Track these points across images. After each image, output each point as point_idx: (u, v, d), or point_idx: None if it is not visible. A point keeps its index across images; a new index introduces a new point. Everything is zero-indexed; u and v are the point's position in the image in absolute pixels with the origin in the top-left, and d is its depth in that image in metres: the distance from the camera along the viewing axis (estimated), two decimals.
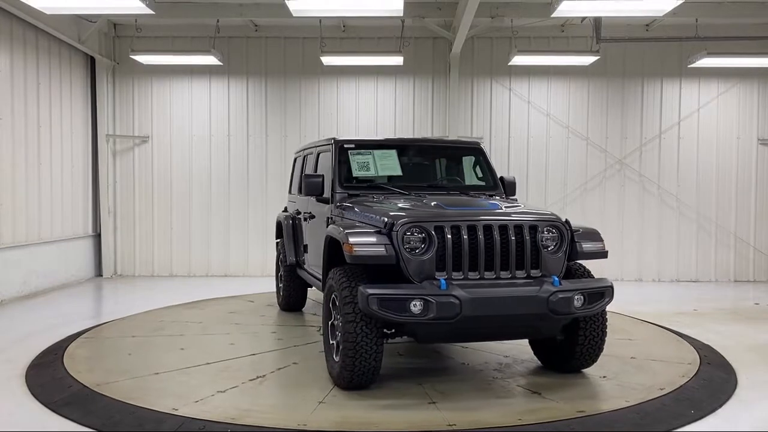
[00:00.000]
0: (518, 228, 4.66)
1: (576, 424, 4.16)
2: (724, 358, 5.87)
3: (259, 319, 7.34)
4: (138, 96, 11.17)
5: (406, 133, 10.98)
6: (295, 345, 6.13)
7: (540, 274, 4.65)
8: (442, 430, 4.05)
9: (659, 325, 7.15)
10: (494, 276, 4.57)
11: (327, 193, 5.88)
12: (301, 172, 7.35)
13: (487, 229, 4.59)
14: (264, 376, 5.12)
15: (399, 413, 4.34)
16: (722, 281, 11.02)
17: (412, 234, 4.50)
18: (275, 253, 8.27)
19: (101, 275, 11.04)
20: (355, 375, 4.58)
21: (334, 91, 11.12)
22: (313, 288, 7.50)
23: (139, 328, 6.77)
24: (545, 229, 4.75)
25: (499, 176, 6.42)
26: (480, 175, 6.42)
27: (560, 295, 4.43)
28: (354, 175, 5.90)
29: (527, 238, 4.65)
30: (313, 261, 6.51)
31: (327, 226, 5.67)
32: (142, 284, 10.39)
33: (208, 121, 11.17)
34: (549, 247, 4.74)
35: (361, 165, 5.96)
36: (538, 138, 11.06)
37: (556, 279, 4.58)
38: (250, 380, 5.00)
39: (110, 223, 11.10)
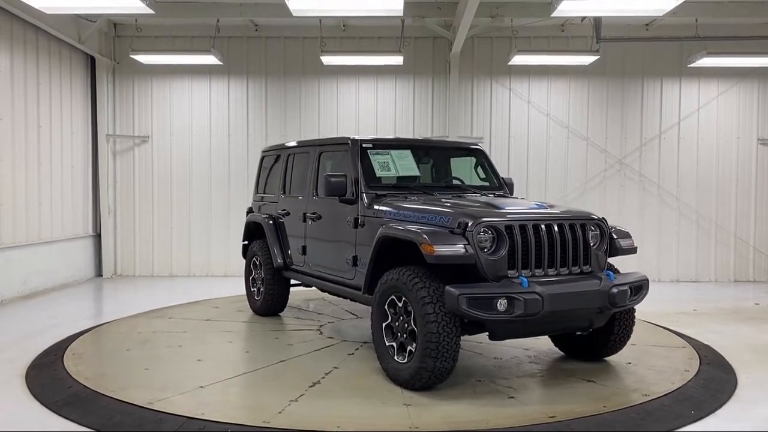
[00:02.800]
0: (572, 226, 4.88)
1: (576, 424, 4.16)
2: (724, 358, 5.88)
3: (244, 325, 7.05)
4: (138, 96, 11.17)
5: (406, 133, 10.98)
6: (315, 349, 5.94)
7: (590, 270, 4.90)
8: (546, 422, 4.17)
9: (659, 325, 7.15)
10: (555, 272, 4.76)
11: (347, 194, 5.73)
12: (284, 173, 7.12)
13: (548, 227, 4.77)
14: (319, 382, 4.94)
15: (492, 410, 4.40)
16: (722, 281, 11.02)
17: (485, 233, 4.59)
18: (243, 256, 7.86)
19: (101, 275, 11.04)
20: (434, 374, 4.59)
21: (334, 91, 11.12)
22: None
23: (124, 341, 6.22)
24: (590, 226, 5.01)
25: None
26: (483, 175, 6.50)
27: (619, 289, 4.74)
28: (378, 176, 5.80)
29: (580, 235, 4.88)
30: (320, 262, 6.36)
31: (356, 227, 5.59)
32: (142, 284, 10.39)
33: (208, 121, 11.17)
34: (594, 244, 4.98)
35: (383, 165, 5.90)
36: (538, 138, 11.06)
37: (611, 274, 4.91)
38: (309, 387, 4.82)
39: (110, 223, 11.10)
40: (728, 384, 5.11)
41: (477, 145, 6.80)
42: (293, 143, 7.38)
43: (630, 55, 10.94)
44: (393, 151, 6.04)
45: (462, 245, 4.50)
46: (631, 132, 11.05)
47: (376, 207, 5.46)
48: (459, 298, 4.30)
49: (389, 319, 4.94)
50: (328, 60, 10.21)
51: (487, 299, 4.34)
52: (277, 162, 7.47)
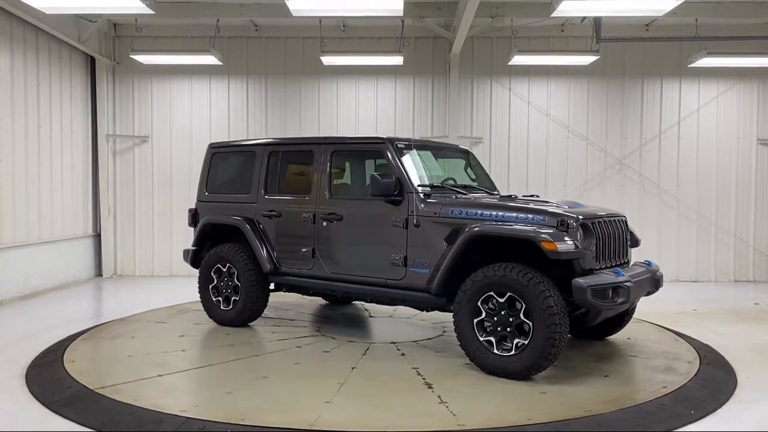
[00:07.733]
0: (618, 222, 5.54)
1: (575, 424, 4.15)
2: (724, 358, 5.88)
3: (232, 338, 6.33)
4: (138, 96, 11.17)
5: (405, 133, 10.97)
6: (361, 354, 5.72)
7: (627, 260, 5.63)
8: (664, 394, 4.68)
9: (659, 325, 7.15)
10: (613, 263, 5.34)
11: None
12: (266, 171, 6.62)
13: (609, 224, 5.37)
14: (431, 386, 4.84)
15: (615, 389, 4.84)
16: (722, 281, 11.02)
17: (578, 230, 4.95)
18: (192, 264, 7.14)
19: (101, 275, 11.04)
20: (551, 362, 4.89)
21: (334, 91, 11.12)
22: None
23: (123, 367, 5.36)
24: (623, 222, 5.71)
25: None
26: (473, 176, 6.61)
27: (659, 274, 5.60)
28: (419, 175, 5.80)
29: (625, 230, 5.62)
30: (344, 264, 6.05)
31: (406, 227, 5.54)
32: (142, 284, 10.39)
33: (208, 121, 11.17)
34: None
35: (417, 165, 5.92)
36: (538, 138, 11.05)
37: (650, 262, 5.72)
38: (428, 388, 4.78)
39: (110, 223, 11.10)
40: (728, 384, 5.11)
41: (473, 145, 6.90)
42: (277, 139, 7.16)
43: (630, 55, 10.93)
44: (420, 152, 6.13)
45: (572, 242, 4.84)
46: (631, 132, 11.05)
47: (437, 205, 5.48)
48: (588, 289, 4.68)
49: (482, 315, 5.06)
50: (328, 60, 10.21)
51: (604, 289, 4.76)
52: (230, 160, 7.03)
